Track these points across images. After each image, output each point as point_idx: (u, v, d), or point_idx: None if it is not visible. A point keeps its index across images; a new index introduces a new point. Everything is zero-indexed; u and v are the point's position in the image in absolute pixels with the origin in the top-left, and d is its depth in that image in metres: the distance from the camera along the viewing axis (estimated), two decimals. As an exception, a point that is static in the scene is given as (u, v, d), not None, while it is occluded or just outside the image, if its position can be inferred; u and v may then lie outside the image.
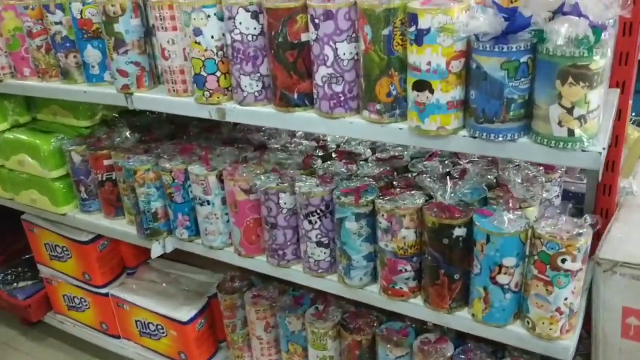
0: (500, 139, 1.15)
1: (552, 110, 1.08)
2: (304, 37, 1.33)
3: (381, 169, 1.59)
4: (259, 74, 1.42)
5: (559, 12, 1.12)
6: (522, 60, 1.09)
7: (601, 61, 1.04)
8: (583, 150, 1.09)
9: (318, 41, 1.28)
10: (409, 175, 1.59)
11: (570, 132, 1.08)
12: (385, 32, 1.20)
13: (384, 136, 1.31)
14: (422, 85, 1.17)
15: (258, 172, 1.63)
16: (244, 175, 1.61)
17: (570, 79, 1.04)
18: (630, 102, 1.41)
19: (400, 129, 1.27)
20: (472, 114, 1.17)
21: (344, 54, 1.28)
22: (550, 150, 1.11)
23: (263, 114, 1.44)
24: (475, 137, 1.18)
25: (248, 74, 1.42)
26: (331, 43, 1.27)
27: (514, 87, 1.10)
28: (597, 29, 1.03)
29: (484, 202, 1.42)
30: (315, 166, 1.67)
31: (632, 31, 1.35)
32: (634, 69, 1.39)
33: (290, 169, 1.62)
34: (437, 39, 1.12)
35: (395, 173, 1.60)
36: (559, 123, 1.08)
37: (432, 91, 1.17)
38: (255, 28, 1.38)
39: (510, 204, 1.35)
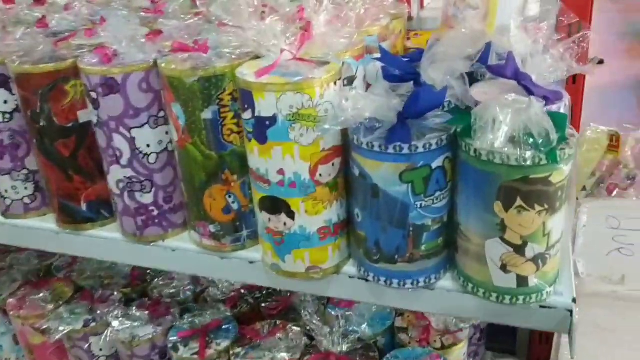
0: (409, 286, 0.70)
1: (490, 247, 0.64)
2: (82, 117, 0.81)
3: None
4: (25, 171, 0.89)
5: (482, 61, 0.70)
6: (434, 165, 0.63)
7: (567, 167, 0.60)
8: (543, 307, 0.66)
9: (102, 126, 0.77)
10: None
11: (522, 281, 0.64)
12: (208, 114, 0.71)
13: (226, 273, 0.82)
14: (274, 206, 0.69)
15: (59, 301, 1.09)
16: (37, 311, 1.07)
17: (519, 202, 0.60)
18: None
19: (250, 263, 0.78)
20: (361, 246, 0.71)
21: (147, 145, 0.77)
22: (489, 305, 0.67)
23: (39, 234, 0.90)
24: (368, 281, 0.72)
25: (7, 172, 0.88)
26: (122, 129, 0.76)
27: (424, 209, 0.65)
28: (560, 115, 0.60)
29: (390, 335, 0.97)
30: (147, 282, 1.16)
31: (577, 79, 0.95)
32: (580, 124, 1.01)
33: (111, 289, 1.10)
34: (291, 134, 0.64)
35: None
36: (503, 267, 0.64)
37: (291, 214, 0.69)
38: (6, 102, 0.84)
39: (430, 337, 0.91)
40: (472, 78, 0.75)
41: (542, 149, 0.57)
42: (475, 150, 0.60)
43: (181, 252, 0.82)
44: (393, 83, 0.75)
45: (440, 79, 0.69)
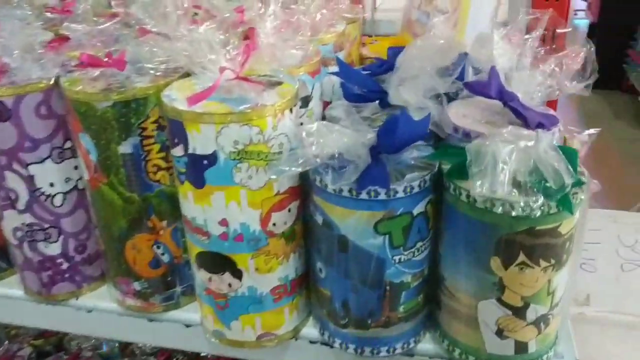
0: (384, 354, 0.57)
1: (484, 309, 0.52)
2: (-33, 148, 0.64)
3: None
4: None
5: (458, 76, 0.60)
6: (416, 211, 0.51)
7: (578, 213, 0.49)
8: (543, 375, 0.55)
9: (-10, 162, 0.60)
10: None
11: (521, 347, 0.53)
12: (126, 147, 0.55)
13: (157, 338, 0.66)
14: (216, 263, 0.55)
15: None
16: None
17: (522, 257, 0.49)
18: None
19: (187, 326, 0.64)
20: (325, 306, 0.58)
21: (51, 184, 0.61)
22: (481, 374, 0.55)
23: None
24: (333, 347, 0.59)
25: None
26: (16, 166, 0.59)
27: (403, 263, 0.53)
28: (570, 151, 0.49)
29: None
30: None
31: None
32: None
33: (19, 342, 0.92)
34: (236, 176, 0.50)
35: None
36: (499, 332, 0.53)
37: (238, 274, 0.55)
38: None
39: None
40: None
41: (553, 195, 0.46)
42: (469, 196, 0.48)
43: (99, 314, 0.66)
44: (355, 103, 0.63)
45: (415, 100, 0.58)
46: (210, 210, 0.52)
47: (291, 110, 0.51)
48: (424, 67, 0.60)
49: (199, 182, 0.51)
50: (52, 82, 0.57)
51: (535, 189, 0.46)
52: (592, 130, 0.63)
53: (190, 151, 0.50)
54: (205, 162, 0.50)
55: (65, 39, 0.69)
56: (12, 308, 0.69)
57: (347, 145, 0.48)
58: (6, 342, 0.94)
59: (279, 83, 0.54)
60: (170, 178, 0.58)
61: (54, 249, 0.64)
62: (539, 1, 0.78)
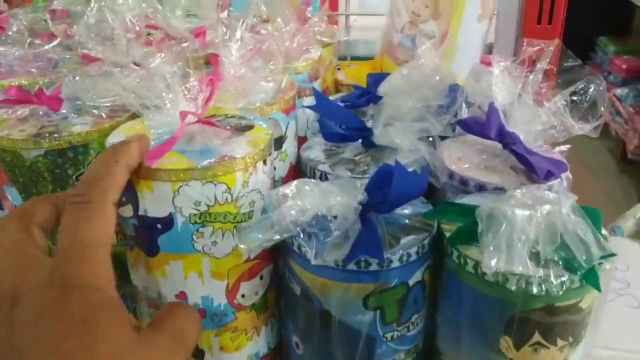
0: None
1: (490, 393, 0.45)
2: None
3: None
4: None
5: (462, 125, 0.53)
6: (412, 281, 0.43)
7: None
8: None
9: None
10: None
11: None
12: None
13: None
14: (171, 340, 0.46)
15: None
16: None
17: (537, 337, 0.42)
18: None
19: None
20: (300, 385, 0.49)
21: (-27, 242, 0.51)
22: None
23: None
24: None
25: None
26: None
27: (396, 340, 0.45)
28: (593, 214, 0.41)
29: None
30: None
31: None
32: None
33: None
34: (197, 243, 0.41)
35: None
36: (507, 419, 0.45)
37: (199, 354, 0.46)
38: None
39: None
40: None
41: (578, 269, 0.39)
42: (477, 267, 0.40)
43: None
44: (335, 143, 0.55)
45: (406, 143, 0.50)
46: (165, 282, 0.43)
47: (264, 162, 0.43)
48: (413, 103, 0.53)
49: (151, 249, 0.42)
50: (-31, 122, 0.47)
51: (556, 262, 0.39)
52: (563, 148, 0.57)
53: (140, 212, 0.41)
54: (158, 225, 0.41)
55: (-6, 64, 0.59)
56: None
57: (333, 208, 0.39)
58: None
59: (249, 127, 0.45)
60: (118, 237, 0.48)
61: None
62: (529, 25, 0.72)
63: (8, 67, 0.59)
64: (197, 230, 0.41)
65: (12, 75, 0.58)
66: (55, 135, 0.44)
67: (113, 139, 0.43)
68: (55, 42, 0.60)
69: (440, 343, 0.47)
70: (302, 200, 0.39)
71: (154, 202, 0.40)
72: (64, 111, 0.47)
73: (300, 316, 0.46)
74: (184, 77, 0.46)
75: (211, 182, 0.40)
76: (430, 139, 0.53)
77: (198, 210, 0.40)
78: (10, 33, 0.61)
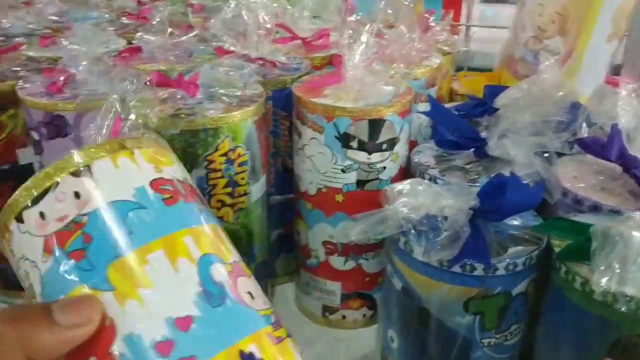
0: None
1: (586, 416, 0.44)
2: (23, 157, 0.60)
3: None
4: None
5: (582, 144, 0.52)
6: (516, 292, 0.43)
7: None
8: None
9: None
10: None
11: None
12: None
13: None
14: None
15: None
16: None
17: (645, 364, 0.40)
18: None
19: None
20: (389, 380, 0.50)
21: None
22: None
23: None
24: None
25: None
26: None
27: (493, 347, 0.45)
28: None
29: None
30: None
31: None
32: None
33: None
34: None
35: None
36: None
37: None
38: None
39: None
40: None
41: (696, 297, 0.37)
42: (585, 285, 0.40)
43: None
44: (446, 150, 0.56)
45: (521, 157, 0.50)
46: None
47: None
48: (531, 117, 0.52)
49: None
50: (117, 99, 0.53)
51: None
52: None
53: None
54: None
55: (137, 49, 0.65)
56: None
57: (445, 210, 0.40)
58: None
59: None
60: (234, 215, 0.52)
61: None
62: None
63: (149, 53, 0.65)
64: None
65: (152, 61, 0.64)
66: (191, 117, 0.48)
67: None
68: (192, 34, 0.66)
69: (537, 357, 0.47)
70: (415, 199, 0.40)
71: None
72: (199, 96, 0.51)
73: (398, 311, 0.47)
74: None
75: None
76: (546, 155, 0.52)
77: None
78: (153, 23, 0.67)
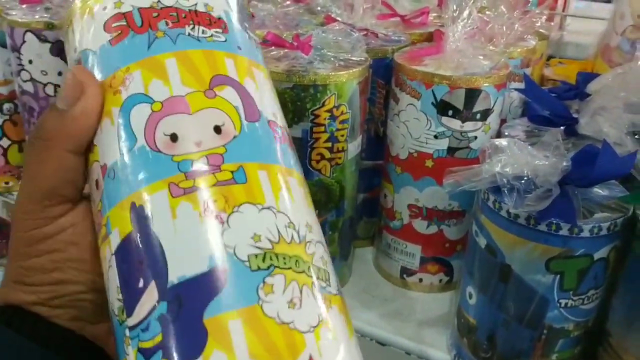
0: (524, 403, 0.52)
1: (657, 381, 0.46)
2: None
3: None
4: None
5: None
6: (597, 256, 0.46)
7: None
8: None
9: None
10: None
11: None
12: (296, 131, 0.55)
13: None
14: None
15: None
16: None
17: None
18: None
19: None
20: (467, 335, 0.54)
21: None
22: None
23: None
24: (466, 379, 0.55)
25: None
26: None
27: (569, 309, 0.47)
28: None
29: None
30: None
31: None
32: None
33: None
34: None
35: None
36: (670, 412, 0.46)
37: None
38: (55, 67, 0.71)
39: None
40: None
41: None
42: (670, 252, 0.42)
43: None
44: (538, 125, 0.58)
45: (613, 134, 0.52)
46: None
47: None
48: (627, 97, 0.54)
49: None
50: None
51: None
52: None
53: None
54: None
55: (251, 17, 0.70)
56: None
57: (538, 169, 0.43)
58: None
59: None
60: (331, 170, 0.57)
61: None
62: None
63: (260, 20, 0.70)
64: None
65: (262, 27, 0.69)
66: (304, 73, 0.52)
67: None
68: (303, 4, 0.70)
69: (611, 325, 0.49)
70: (512, 157, 0.43)
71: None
72: (311, 57, 0.56)
73: (480, 268, 0.50)
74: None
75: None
76: (637, 137, 0.54)
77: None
78: (265, -9, 0.72)
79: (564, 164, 0.44)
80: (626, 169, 0.44)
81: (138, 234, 0.27)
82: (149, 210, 0.27)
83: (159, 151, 0.28)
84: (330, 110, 0.54)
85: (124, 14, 0.31)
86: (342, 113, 0.55)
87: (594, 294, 0.48)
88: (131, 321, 0.27)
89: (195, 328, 0.25)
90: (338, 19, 0.64)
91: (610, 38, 0.70)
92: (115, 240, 0.28)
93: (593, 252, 0.45)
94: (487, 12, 0.60)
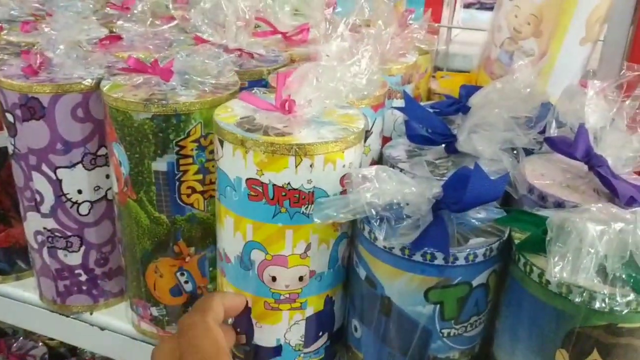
0: None
1: (541, 407, 0.44)
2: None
3: None
4: None
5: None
6: (476, 283, 0.44)
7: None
8: None
9: (18, 159, 0.56)
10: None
11: None
12: (161, 165, 0.50)
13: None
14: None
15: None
16: None
17: (595, 355, 0.41)
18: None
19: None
20: (353, 368, 0.51)
21: (79, 191, 0.57)
22: None
23: None
24: (358, 415, 0.52)
25: None
26: (45, 167, 0.55)
27: (452, 338, 0.46)
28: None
29: None
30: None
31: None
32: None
33: (34, 339, 0.89)
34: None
35: None
36: None
37: (263, 321, 0.50)
38: None
39: None
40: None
41: (647, 290, 0.38)
42: (542, 276, 0.41)
43: (111, 334, 0.61)
44: (418, 144, 0.56)
45: (489, 152, 0.51)
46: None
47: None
48: (501, 114, 0.53)
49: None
50: (93, 83, 0.53)
51: (624, 281, 0.38)
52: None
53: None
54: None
55: (118, 37, 0.65)
56: (27, 312, 0.65)
57: (408, 197, 0.41)
58: (21, 337, 0.91)
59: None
60: (205, 203, 0.53)
61: (73, 259, 0.60)
62: (637, 52, 0.70)
63: (129, 42, 0.65)
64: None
65: (132, 49, 0.64)
66: (163, 102, 0.48)
67: (220, 114, 0.47)
68: (173, 24, 0.66)
69: (496, 350, 0.48)
70: (380, 185, 0.41)
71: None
72: (173, 83, 0.51)
73: (362, 300, 0.48)
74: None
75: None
76: (515, 152, 0.53)
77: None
78: (135, 12, 0.67)
79: (435, 190, 0.42)
80: (497, 193, 0.43)
81: None
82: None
83: (264, 283, 0.47)
84: (197, 140, 0.50)
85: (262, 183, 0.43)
86: (211, 142, 0.51)
87: (476, 320, 0.46)
88: None
89: None
90: (210, 39, 0.60)
91: (490, 50, 0.70)
92: None
93: (471, 279, 0.44)
94: (362, 30, 0.58)
